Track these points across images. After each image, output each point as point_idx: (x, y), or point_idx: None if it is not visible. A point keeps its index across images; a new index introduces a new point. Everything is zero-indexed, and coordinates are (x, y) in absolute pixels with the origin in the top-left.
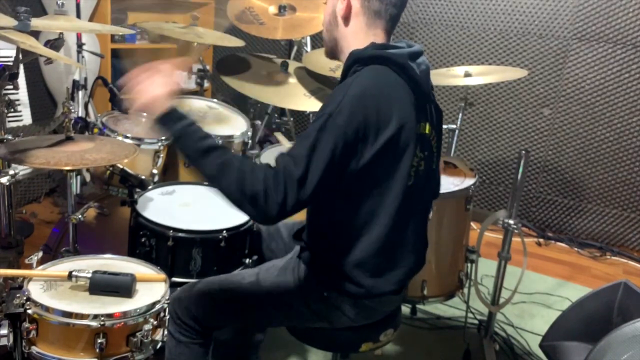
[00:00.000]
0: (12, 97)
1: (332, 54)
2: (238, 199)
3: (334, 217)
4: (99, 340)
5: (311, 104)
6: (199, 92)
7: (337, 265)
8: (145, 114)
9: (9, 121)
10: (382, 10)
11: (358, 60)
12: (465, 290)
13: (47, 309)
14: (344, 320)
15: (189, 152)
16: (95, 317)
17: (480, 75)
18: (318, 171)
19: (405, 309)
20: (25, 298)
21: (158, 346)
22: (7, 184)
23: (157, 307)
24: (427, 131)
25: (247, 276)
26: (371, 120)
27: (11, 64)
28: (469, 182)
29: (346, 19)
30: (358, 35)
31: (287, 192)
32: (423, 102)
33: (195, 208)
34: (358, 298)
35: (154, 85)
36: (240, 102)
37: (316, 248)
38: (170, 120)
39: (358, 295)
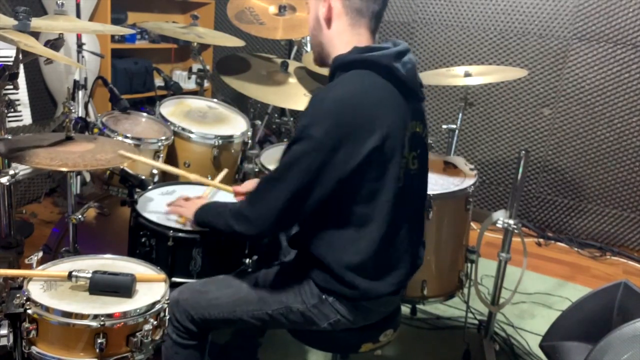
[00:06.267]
0: (12, 97)
1: (321, 60)
2: (228, 230)
3: (326, 222)
4: (99, 340)
5: None
6: (199, 92)
7: (334, 269)
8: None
9: (9, 121)
10: (364, 8)
11: (341, 66)
12: (465, 290)
13: (47, 309)
14: (342, 323)
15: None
16: (95, 317)
17: (480, 75)
18: (283, 195)
19: (405, 309)
20: (25, 298)
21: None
22: (7, 184)
23: (157, 307)
24: (418, 129)
25: (246, 280)
26: (352, 129)
27: (11, 64)
28: (469, 182)
29: (329, 21)
30: (342, 37)
31: (251, 217)
32: (412, 101)
33: None
34: (356, 301)
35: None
36: (240, 102)
37: (312, 253)
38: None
39: (356, 297)
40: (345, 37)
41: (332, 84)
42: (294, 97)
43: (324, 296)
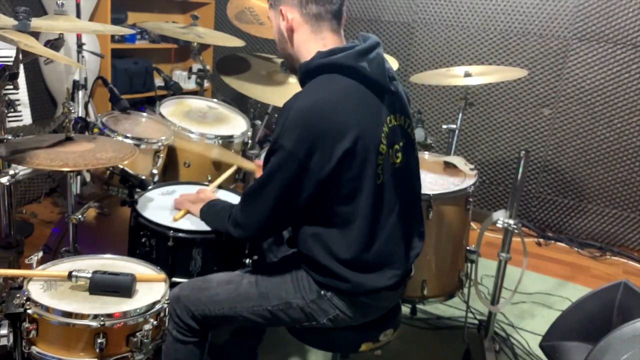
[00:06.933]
0: (12, 97)
1: (294, 70)
2: (226, 232)
3: (314, 223)
4: (99, 340)
5: None
6: (199, 92)
7: (329, 266)
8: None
9: (9, 121)
10: (322, 12)
11: (307, 73)
12: (465, 290)
13: (47, 309)
14: (342, 318)
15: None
16: (95, 317)
17: (480, 75)
18: (268, 203)
19: (405, 309)
20: (25, 298)
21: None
22: (7, 184)
23: (157, 307)
24: (398, 121)
25: (247, 276)
26: (321, 135)
27: (11, 64)
28: (469, 182)
29: (291, 32)
30: (307, 45)
31: (243, 223)
32: (386, 95)
33: None
34: (354, 296)
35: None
36: (240, 102)
37: (307, 251)
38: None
39: (352, 291)
40: (310, 45)
41: (299, 93)
42: None
43: (322, 292)
